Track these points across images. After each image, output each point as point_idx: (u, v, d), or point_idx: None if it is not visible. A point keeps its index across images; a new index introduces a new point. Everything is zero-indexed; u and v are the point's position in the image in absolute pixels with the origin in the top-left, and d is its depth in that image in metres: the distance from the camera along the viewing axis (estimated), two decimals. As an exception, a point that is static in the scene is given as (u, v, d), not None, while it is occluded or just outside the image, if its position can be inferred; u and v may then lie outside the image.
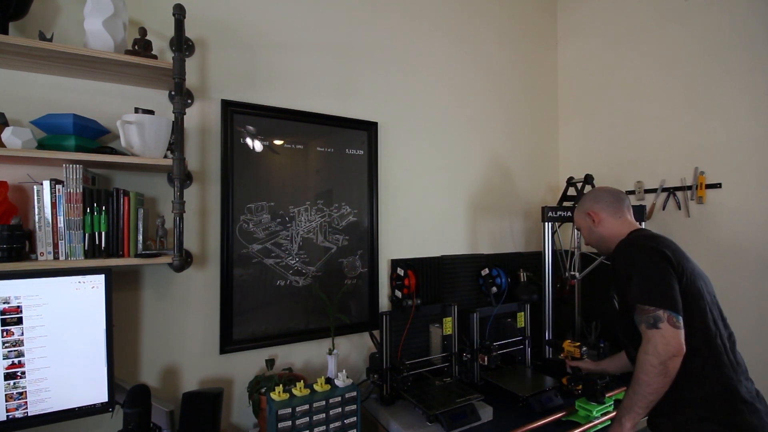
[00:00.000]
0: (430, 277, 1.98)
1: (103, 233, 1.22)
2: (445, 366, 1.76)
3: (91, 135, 1.26)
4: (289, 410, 1.24)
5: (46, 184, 1.16)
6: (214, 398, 1.30)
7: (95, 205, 1.21)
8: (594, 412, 1.46)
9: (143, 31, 1.32)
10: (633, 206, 1.87)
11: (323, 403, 1.29)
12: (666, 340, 1.08)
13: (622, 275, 1.22)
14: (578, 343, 1.62)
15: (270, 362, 1.52)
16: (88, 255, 1.20)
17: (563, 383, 1.66)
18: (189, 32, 1.47)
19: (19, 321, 1.08)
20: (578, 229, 1.51)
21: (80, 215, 1.18)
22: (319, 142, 1.74)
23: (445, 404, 1.44)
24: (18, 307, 1.08)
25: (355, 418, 1.35)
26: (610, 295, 1.41)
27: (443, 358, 1.77)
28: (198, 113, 1.52)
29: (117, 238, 1.25)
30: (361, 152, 1.84)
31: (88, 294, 1.16)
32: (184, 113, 1.32)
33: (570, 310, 2.20)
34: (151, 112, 1.30)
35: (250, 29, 1.62)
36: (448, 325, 1.77)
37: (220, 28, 1.56)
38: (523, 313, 1.98)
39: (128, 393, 1.16)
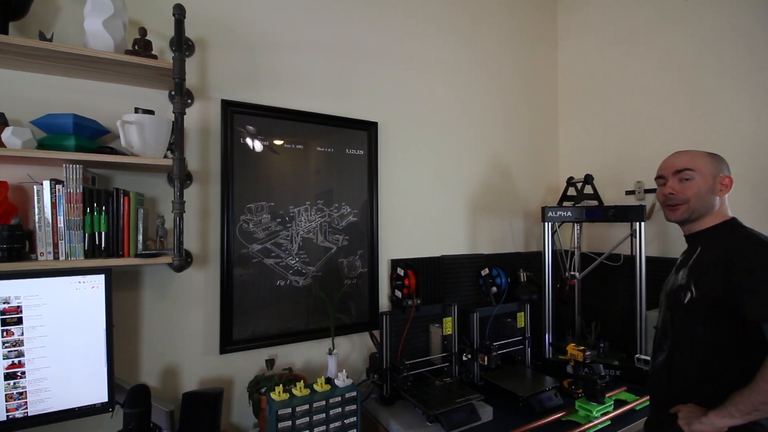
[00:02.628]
0: (430, 277, 1.98)
1: (103, 233, 1.22)
2: (445, 366, 1.76)
3: (91, 135, 1.26)
4: (289, 410, 1.24)
5: (46, 184, 1.16)
6: (214, 398, 1.30)
7: (95, 205, 1.21)
8: (594, 412, 1.46)
9: (143, 31, 1.32)
10: (632, 206, 1.89)
11: (323, 403, 1.29)
12: None
13: (743, 276, 1.02)
14: (582, 347, 1.62)
15: (270, 362, 1.52)
16: (88, 255, 1.20)
17: (564, 385, 1.66)
18: (189, 32, 1.47)
19: (19, 321, 1.08)
20: (686, 170, 1.16)
21: (80, 215, 1.18)
22: (319, 142, 1.74)
23: (445, 404, 1.44)
24: (18, 307, 1.08)
25: (355, 418, 1.35)
26: (676, 285, 1.16)
27: (443, 358, 1.77)
28: (198, 113, 1.52)
29: (117, 238, 1.25)
30: (361, 152, 1.84)
31: (88, 294, 1.16)
32: (184, 113, 1.32)
33: (570, 310, 2.20)
34: (151, 112, 1.30)
35: (250, 29, 1.62)
36: (448, 325, 1.77)
37: (220, 28, 1.56)
38: (523, 313, 1.98)
39: (128, 393, 1.16)
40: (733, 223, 1.17)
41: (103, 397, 1.17)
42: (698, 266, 1.14)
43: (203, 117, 1.53)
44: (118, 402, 1.20)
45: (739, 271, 1.03)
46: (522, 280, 2.10)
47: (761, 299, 0.99)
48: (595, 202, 2.07)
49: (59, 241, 1.17)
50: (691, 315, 1.13)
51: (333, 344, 1.62)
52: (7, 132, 1.10)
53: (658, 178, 1.24)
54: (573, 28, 2.49)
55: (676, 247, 1.95)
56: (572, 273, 2.11)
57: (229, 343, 1.53)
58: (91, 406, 1.16)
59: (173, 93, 1.38)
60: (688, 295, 1.12)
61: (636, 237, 1.88)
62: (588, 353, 1.61)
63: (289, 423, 1.24)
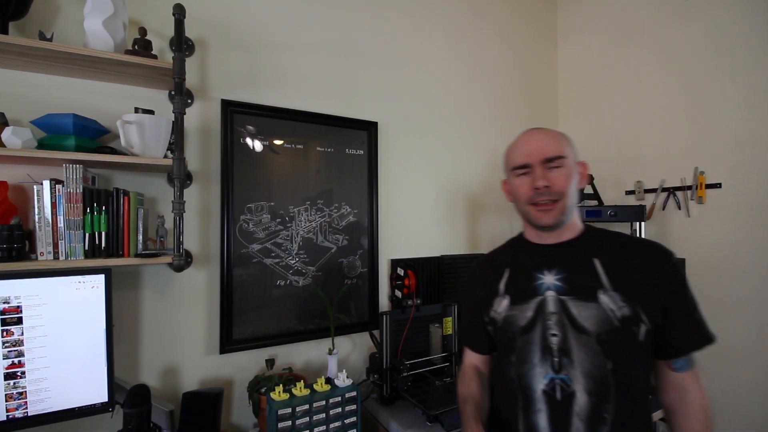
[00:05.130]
0: (430, 277, 1.97)
1: (103, 233, 1.22)
2: (445, 366, 1.76)
3: (91, 135, 1.26)
4: (289, 410, 1.24)
5: (46, 184, 1.16)
6: (214, 398, 1.30)
7: (95, 205, 1.21)
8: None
9: (143, 31, 1.32)
10: (633, 206, 1.89)
11: (323, 403, 1.29)
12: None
13: (680, 290, 0.88)
14: None
15: (270, 362, 1.52)
16: (88, 255, 1.20)
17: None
18: (189, 32, 1.46)
19: (19, 321, 1.08)
20: (558, 158, 0.92)
21: (80, 215, 1.18)
22: (319, 142, 1.74)
23: (445, 404, 1.43)
24: (18, 307, 1.08)
25: (355, 418, 1.35)
26: (619, 317, 0.85)
27: (443, 358, 1.77)
28: (198, 113, 1.52)
29: (117, 238, 1.25)
30: (361, 152, 1.84)
31: (88, 294, 1.16)
32: (184, 113, 1.32)
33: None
34: (151, 112, 1.30)
35: (250, 29, 1.62)
36: (448, 325, 1.77)
37: (220, 28, 1.56)
38: (523, 313, 1.97)
39: (128, 393, 1.15)
40: (592, 226, 1.01)
41: (103, 397, 1.17)
42: (631, 284, 0.86)
43: (203, 117, 1.53)
44: (118, 402, 1.20)
45: (672, 286, 0.87)
46: (522, 280, 2.10)
47: (694, 324, 0.87)
48: (595, 202, 2.07)
49: (59, 241, 1.17)
50: (645, 355, 0.87)
51: (333, 344, 1.62)
52: (7, 132, 1.10)
53: (519, 167, 0.96)
54: (573, 27, 2.49)
55: (676, 247, 1.95)
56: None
57: (229, 342, 1.53)
58: (91, 406, 1.16)
59: (173, 93, 1.38)
60: (642, 327, 0.85)
61: (636, 237, 1.87)
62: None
63: (289, 423, 1.24)
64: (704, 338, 0.87)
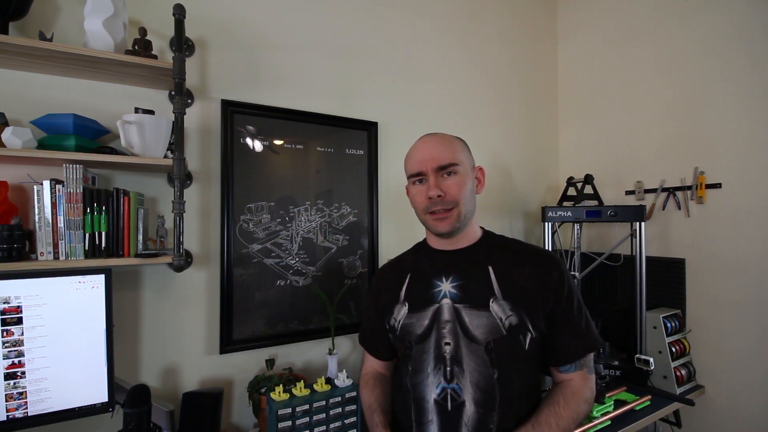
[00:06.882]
0: (430, 277, 1.97)
1: (103, 233, 1.22)
2: (445, 366, 1.76)
3: (91, 135, 1.26)
4: (289, 410, 1.24)
5: (46, 184, 1.16)
6: (214, 398, 1.30)
7: (95, 205, 1.21)
8: (594, 412, 1.46)
9: (143, 31, 1.32)
10: (633, 206, 1.89)
11: (323, 403, 1.29)
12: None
13: (566, 299, 0.91)
14: None
15: (270, 362, 1.52)
16: (88, 255, 1.20)
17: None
18: (189, 32, 1.46)
19: (19, 321, 1.08)
20: (451, 166, 0.94)
21: (80, 215, 1.18)
22: (319, 142, 1.74)
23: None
24: (18, 307, 1.08)
25: (355, 418, 1.35)
26: (507, 327, 0.87)
27: (443, 358, 1.77)
28: (198, 113, 1.52)
29: (117, 238, 1.25)
30: (361, 152, 1.84)
31: (88, 294, 1.16)
32: (184, 113, 1.32)
33: (570, 310, 2.20)
34: (151, 112, 1.30)
35: (250, 29, 1.62)
36: (448, 325, 1.77)
37: (220, 28, 1.56)
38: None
39: (128, 393, 1.15)
40: (492, 233, 1.04)
41: (103, 397, 1.17)
42: (519, 292, 0.88)
43: (203, 117, 1.53)
44: (118, 402, 1.20)
45: (557, 295, 0.89)
46: (522, 280, 2.10)
47: (586, 331, 0.91)
48: (595, 202, 2.07)
49: (59, 241, 1.16)
50: (530, 361, 0.90)
51: (333, 344, 1.62)
52: (7, 132, 1.10)
53: (415, 176, 0.98)
54: (573, 26, 2.49)
55: (676, 247, 1.96)
56: (572, 273, 2.11)
57: (229, 343, 1.53)
58: (91, 406, 1.16)
59: (173, 93, 1.38)
60: (528, 336, 0.87)
61: (636, 237, 1.88)
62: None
63: (289, 423, 1.24)
64: (589, 346, 0.90)
